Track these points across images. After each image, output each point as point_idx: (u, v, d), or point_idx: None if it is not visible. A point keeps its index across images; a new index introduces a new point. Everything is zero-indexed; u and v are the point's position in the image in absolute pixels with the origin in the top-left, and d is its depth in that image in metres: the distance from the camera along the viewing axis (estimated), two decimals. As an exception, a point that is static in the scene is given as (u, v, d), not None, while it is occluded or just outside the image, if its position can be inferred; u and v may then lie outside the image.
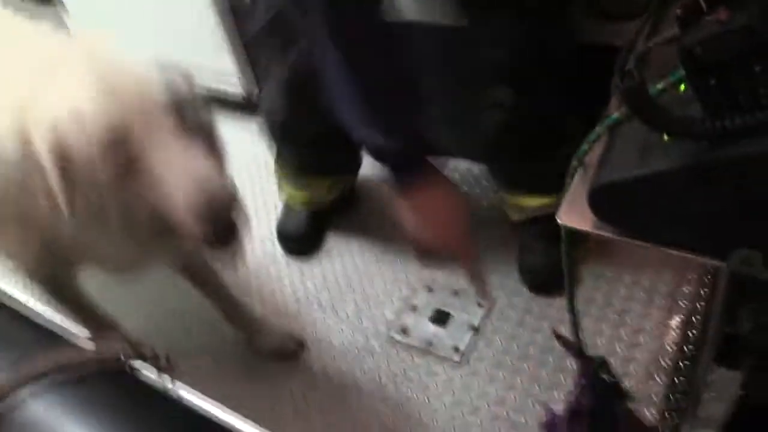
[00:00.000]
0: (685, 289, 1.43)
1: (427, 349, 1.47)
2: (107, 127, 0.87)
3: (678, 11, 0.54)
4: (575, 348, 1.04)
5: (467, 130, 1.50)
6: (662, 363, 1.32)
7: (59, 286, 1.26)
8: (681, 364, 1.30)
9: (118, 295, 1.75)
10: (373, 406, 1.40)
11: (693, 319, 1.36)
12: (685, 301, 1.41)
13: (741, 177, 0.53)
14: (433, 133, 1.58)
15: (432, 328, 1.51)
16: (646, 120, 0.54)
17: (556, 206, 0.70)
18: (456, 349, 1.46)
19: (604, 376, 1.11)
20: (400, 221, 1.13)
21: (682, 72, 0.60)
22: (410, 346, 1.49)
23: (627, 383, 1.30)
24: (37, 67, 0.95)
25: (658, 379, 1.29)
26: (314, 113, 1.52)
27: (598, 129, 0.67)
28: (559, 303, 1.50)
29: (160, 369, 0.78)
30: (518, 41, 1.29)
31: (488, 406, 1.35)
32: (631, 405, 1.17)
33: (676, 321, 1.37)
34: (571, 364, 1.37)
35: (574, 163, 0.71)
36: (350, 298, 1.63)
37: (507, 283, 1.57)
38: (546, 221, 1.52)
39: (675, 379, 1.27)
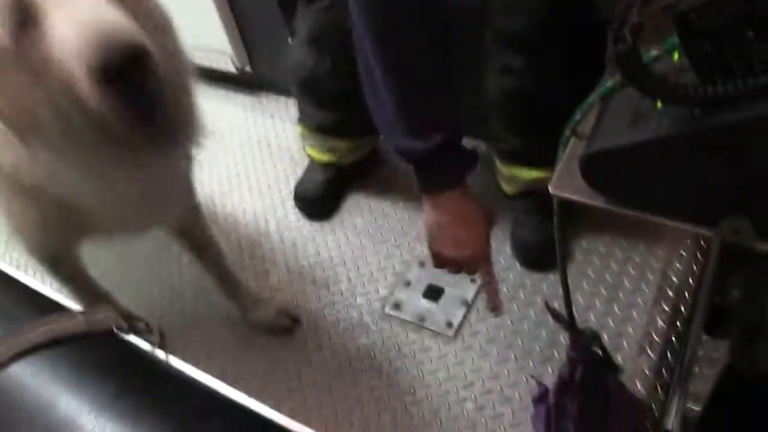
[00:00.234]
0: (677, 265, 1.43)
1: (420, 324, 1.48)
2: None
3: (672, -24, 0.53)
4: (567, 322, 1.04)
5: (472, 98, 1.50)
6: (653, 337, 1.32)
7: (60, 262, 1.26)
8: (672, 338, 1.31)
9: (112, 271, 1.75)
10: (368, 382, 1.41)
11: (684, 294, 1.37)
12: (676, 277, 1.41)
13: (733, 144, 0.53)
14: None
15: (425, 304, 1.52)
16: (638, 86, 0.53)
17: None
18: (449, 325, 1.46)
19: (596, 350, 1.12)
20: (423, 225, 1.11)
21: (675, 39, 0.59)
22: (404, 321, 1.50)
23: (618, 357, 1.31)
24: None
25: (649, 353, 1.30)
26: (337, 70, 1.54)
27: (591, 98, 0.66)
28: (552, 278, 1.51)
29: (153, 343, 0.78)
30: (537, 11, 1.28)
31: (482, 380, 1.37)
32: (622, 379, 1.19)
33: (667, 296, 1.38)
34: (563, 338, 1.38)
35: (567, 132, 0.71)
36: (344, 275, 1.63)
37: (500, 259, 1.58)
38: (539, 196, 1.52)
39: (666, 353, 1.28)
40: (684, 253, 1.45)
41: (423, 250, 1.64)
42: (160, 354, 0.72)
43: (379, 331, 1.49)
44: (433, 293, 1.53)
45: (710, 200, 0.58)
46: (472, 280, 1.54)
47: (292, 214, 1.82)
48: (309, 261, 1.68)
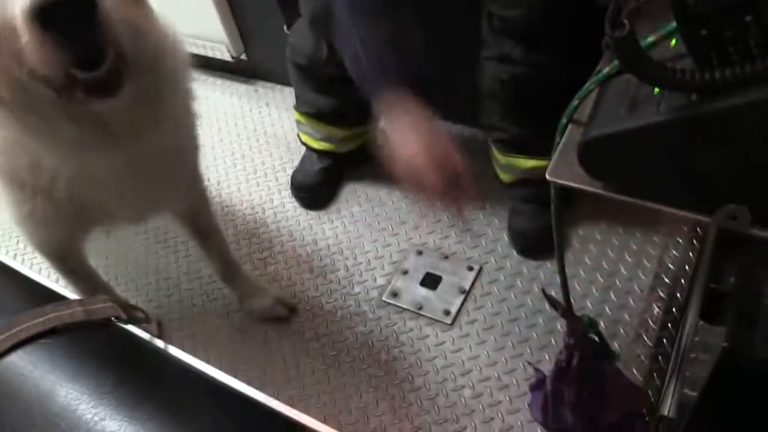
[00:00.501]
0: (674, 252, 1.44)
1: (418, 312, 1.49)
2: None
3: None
4: (564, 309, 1.05)
5: (470, 87, 1.50)
6: (650, 324, 1.33)
7: (66, 256, 1.25)
8: (668, 325, 1.32)
9: (110, 261, 1.75)
10: (366, 370, 1.41)
11: (681, 281, 1.37)
12: (672, 264, 1.42)
13: (731, 130, 0.53)
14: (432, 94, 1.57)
15: (423, 292, 1.52)
16: (636, 72, 0.53)
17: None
18: (447, 312, 1.47)
19: (593, 337, 1.13)
20: (387, 150, 1.07)
21: (673, 25, 0.59)
22: (401, 309, 1.50)
23: (615, 344, 1.32)
24: None
25: (646, 339, 1.31)
26: (334, 56, 1.53)
27: (588, 84, 0.66)
28: (549, 266, 1.51)
29: (151, 332, 0.78)
30: (536, 2, 1.27)
31: (479, 368, 1.37)
32: (618, 365, 1.20)
33: (663, 283, 1.39)
34: (560, 325, 1.39)
35: (564, 120, 0.71)
36: (341, 264, 1.63)
37: (497, 247, 1.58)
38: (536, 184, 1.52)
39: (662, 340, 1.29)
40: (680, 240, 1.46)
41: (421, 239, 1.64)
42: (159, 343, 0.72)
43: (377, 320, 1.50)
44: (431, 281, 1.53)
45: (707, 187, 0.58)
46: (469, 268, 1.54)
47: (289, 203, 1.81)
48: (306, 250, 1.68)
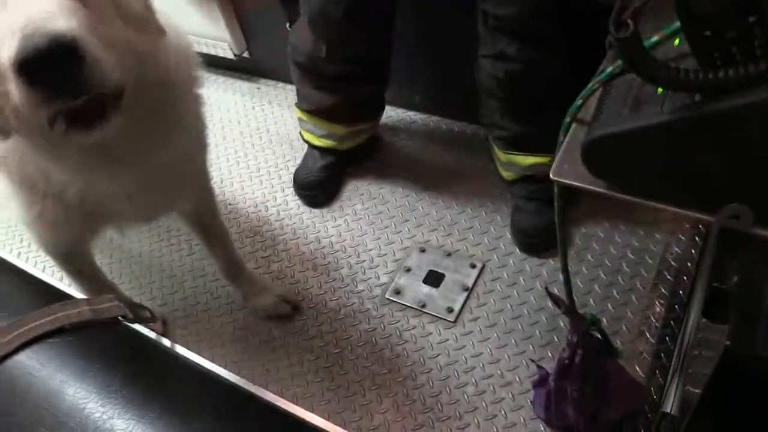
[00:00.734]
0: (676, 250, 1.44)
1: (421, 310, 1.49)
2: None
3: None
4: (567, 307, 1.05)
5: (469, 85, 1.50)
6: (652, 321, 1.34)
7: (74, 258, 1.26)
8: (671, 322, 1.32)
9: (114, 260, 1.76)
10: (369, 368, 1.42)
11: (683, 278, 1.38)
12: (675, 262, 1.42)
13: (734, 130, 0.53)
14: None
15: (426, 290, 1.52)
16: (639, 71, 0.53)
17: (548, 166, 0.70)
18: (450, 310, 1.47)
19: (595, 335, 1.13)
20: None
21: (676, 25, 0.59)
22: (405, 307, 1.51)
23: (617, 341, 1.33)
24: None
25: (648, 336, 1.31)
26: (332, 54, 1.54)
27: (592, 84, 0.66)
28: (552, 263, 1.51)
29: (156, 330, 0.79)
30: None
31: (482, 365, 1.38)
32: (621, 362, 1.20)
33: (666, 281, 1.39)
34: (563, 322, 1.39)
35: (567, 119, 0.71)
36: (344, 261, 1.63)
37: (500, 244, 1.58)
38: (538, 181, 1.53)
39: (664, 337, 1.30)
40: (683, 237, 1.46)
41: (423, 236, 1.64)
42: (165, 342, 0.73)
43: (380, 317, 1.50)
44: (434, 279, 1.54)
45: (710, 186, 0.58)
46: (472, 266, 1.55)
47: (292, 201, 1.82)
48: (309, 248, 1.69)
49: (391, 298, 1.53)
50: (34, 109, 0.69)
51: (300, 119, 1.80)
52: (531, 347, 1.38)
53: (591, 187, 0.64)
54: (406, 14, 1.67)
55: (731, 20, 0.51)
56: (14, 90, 0.67)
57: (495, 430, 1.27)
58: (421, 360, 1.41)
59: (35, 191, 1.01)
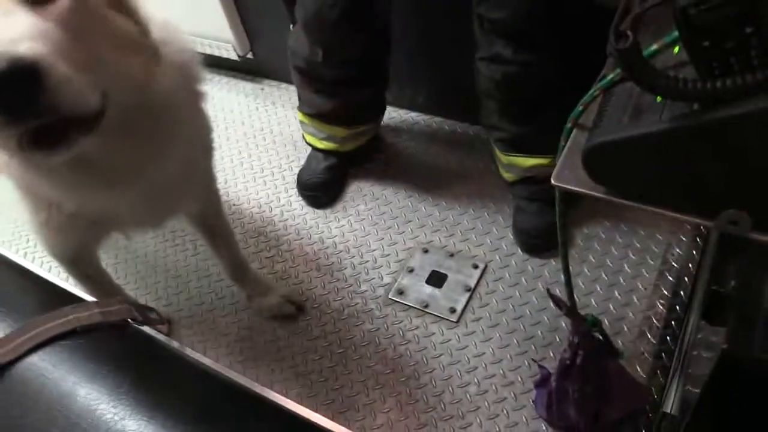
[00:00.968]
0: (677, 250, 1.45)
1: (424, 310, 1.50)
2: None
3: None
4: (568, 308, 1.06)
5: (469, 87, 1.51)
6: (653, 322, 1.35)
7: (81, 263, 1.27)
8: (672, 323, 1.33)
9: (118, 260, 1.78)
10: (372, 368, 1.43)
11: (684, 279, 1.39)
12: (676, 262, 1.43)
13: (731, 138, 0.54)
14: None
15: (428, 290, 1.54)
16: (638, 82, 0.54)
17: (549, 167, 0.71)
18: (452, 310, 1.49)
19: (596, 335, 1.14)
20: None
21: (676, 34, 0.60)
22: (408, 307, 1.52)
23: (619, 341, 1.34)
24: None
25: (649, 337, 1.32)
26: (329, 59, 1.56)
27: (593, 91, 0.67)
28: (554, 264, 1.53)
29: (162, 331, 0.80)
30: (523, 1, 1.29)
31: (484, 365, 1.39)
32: (622, 362, 1.21)
33: (667, 281, 1.40)
34: (565, 323, 1.40)
35: (569, 124, 0.72)
36: (348, 262, 1.65)
37: (502, 245, 1.59)
38: (539, 183, 1.54)
39: (665, 337, 1.31)
40: (684, 238, 1.47)
41: (426, 237, 1.65)
42: (173, 344, 0.74)
43: (383, 317, 1.51)
44: (437, 279, 1.55)
45: (709, 192, 0.59)
46: (474, 266, 1.56)
47: (296, 202, 1.83)
48: (313, 248, 1.70)
49: (394, 299, 1.54)
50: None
51: (302, 122, 1.81)
52: (533, 347, 1.39)
53: (592, 193, 0.65)
54: (407, 15, 1.68)
55: (729, 31, 0.52)
56: None
57: (497, 429, 1.28)
58: (424, 360, 1.42)
59: (40, 198, 1.01)
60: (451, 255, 1.60)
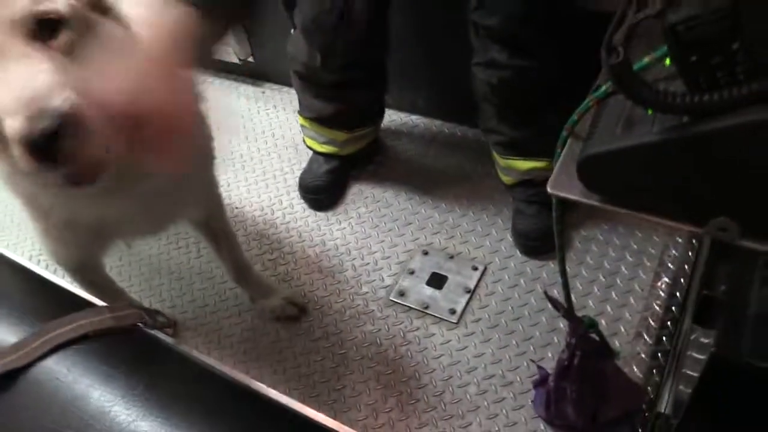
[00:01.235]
0: (673, 252, 1.47)
1: (424, 311, 1.53)
2: None
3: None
4: (566, 310, 1.09)
5: (466, 92, 1.54)
6: (650, 323, 1.37)
7: (86, 270, 1.28)
8: (668, 324, 1.35)
9: (122, 263, 1.80)
10: (374, 368, 1.45)
11: (680, 280, 1.41)
12: (672, 264, 1.45)
13: (718, 149, 0.57)
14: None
15: (429, 291, 1.56)
16: (629, 96, 0.57)
17: (547, 170, 0.73)
18: (452, 311, 1.51)
19: (593, 336, 1.16)
20: None
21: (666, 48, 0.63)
22: (408, 309, 1.54)
23: (616, 342, 1.36)
24: None
25: (645, 337, 1.34)
26: (327, 63, 1.58)
27: (587, 101, 0.70)
28: (552, 265, 1.55)
29: (167, 333, 0.83)
30: (513, 8, 1.31)
31: (484, 365, 1.41)
32: (618, 362, 1.23)
33: (663, 283, 1.42)
34: (563, 324, 1.42)
35: (565, 133, 0.74)
36: (349, 264, 1.67)
37: (501, 247, 1.62)
38: (537, 185, 1.56)
39: (661, 338, 1.33)
40: (680, 240, 1.49)
41: (426, 239, 1.68)
42: (182, 347, 0.76)
43: (384, 319, 1.54)
44: (437, 281, 1.57)
45: (699, 201, 0.61)
46: (474, 268, 1.58)
47: (298, 205, 1.85)
48: (315, 251, 1.73)
49: (395, 300, 1.56)
50: (35, 172, 0.71)
51: (302, 126, 1.84)
52: (531, 348, 1.42)
53: (587, 201, 0.68)
54: (407, 18, 1.70)
55: (716, 46, 0.54)
56: (16, 152, 0.69)
57: (496, 428, 1.31)
58: (425, 360, 1.45)
59: (38, 207, 1.02)
60: (451, 257, 1.62)
